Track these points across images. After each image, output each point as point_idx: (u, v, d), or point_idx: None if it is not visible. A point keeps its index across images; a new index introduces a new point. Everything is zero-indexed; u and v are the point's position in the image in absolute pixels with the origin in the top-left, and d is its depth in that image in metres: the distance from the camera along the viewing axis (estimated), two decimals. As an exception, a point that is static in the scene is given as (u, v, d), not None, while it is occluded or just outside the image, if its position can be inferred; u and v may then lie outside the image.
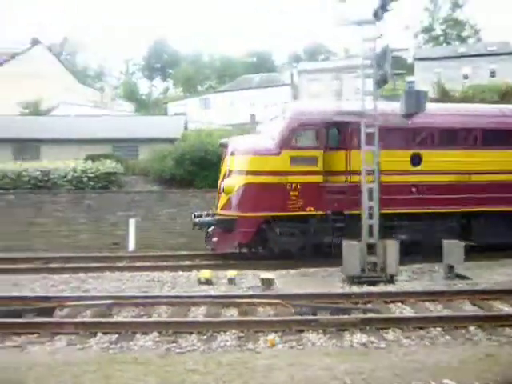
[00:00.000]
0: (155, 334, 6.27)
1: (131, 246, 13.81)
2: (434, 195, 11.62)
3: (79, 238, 14.59)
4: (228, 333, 6.31)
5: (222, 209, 11.48)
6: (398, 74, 10.08)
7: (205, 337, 6.21)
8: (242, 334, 6.26)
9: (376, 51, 9.54)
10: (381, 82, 9.65)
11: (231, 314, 7.28)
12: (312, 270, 10.32)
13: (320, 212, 11.19)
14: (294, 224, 11.30)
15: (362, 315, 6.90)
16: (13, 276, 9.84)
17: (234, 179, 11.32)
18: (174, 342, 6.05)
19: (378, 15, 9.32)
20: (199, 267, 9.91)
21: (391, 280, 9.24)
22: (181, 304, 7.57)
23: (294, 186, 11.10)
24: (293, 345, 5.95)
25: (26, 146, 22.52)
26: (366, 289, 8.71)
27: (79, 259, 11.93)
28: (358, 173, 10.72)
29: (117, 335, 6.28)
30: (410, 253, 10.85)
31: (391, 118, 10.34)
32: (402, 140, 11.63)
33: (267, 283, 8.74)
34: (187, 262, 11.42)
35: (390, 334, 6.27)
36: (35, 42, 44.04)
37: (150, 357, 5.57)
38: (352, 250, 9.23)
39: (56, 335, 6.32)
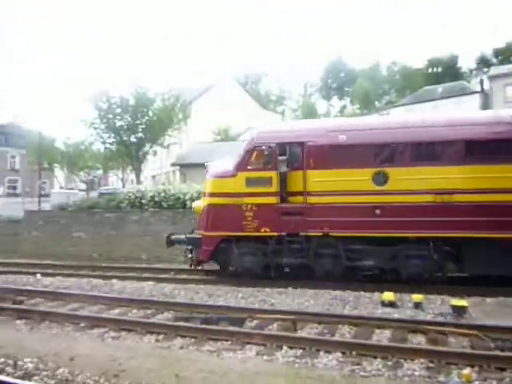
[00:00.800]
0: (339, 353, 6.25)
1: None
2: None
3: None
4: (416, 361, 5.93)
5: (197, 228, 12.02)
6: None
7: (390, 363, 5.95)
8: (431, 365, 5.82)
9: None
10: None
11: (418, 341, 6.83)
12: (514, 299, 9.06)
13: (275, 233, 10.95)
14: (252, 244, 11.29)
15: None
16: (208, 287, 10.90)
17: (203, 201, 11.98)
18: (358, 364, 5.93)
19: None
20: (382, 289, 9.56)
21: None
22: (364, 325, 7.41)
23: (249, 207, 11.07)
24: (493, 384, 5.29)
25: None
26: None
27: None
28: (314, 194, 10.68)
29: (301, 351, 6.44)
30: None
31: None
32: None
33: (459, 311, 7.97)
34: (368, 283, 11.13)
35: None
36: (225, 74, 49.09)
37: (335, 376, 5.56)
38: None
39: (246, 344, 6.78)
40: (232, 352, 6.52)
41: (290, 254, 11.00)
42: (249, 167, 11.27)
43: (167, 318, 8.50)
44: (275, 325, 7.73)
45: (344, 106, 79.43)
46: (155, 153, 34.57)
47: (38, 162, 33.67)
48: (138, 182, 29.41)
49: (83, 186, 47.19)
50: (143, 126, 27.90)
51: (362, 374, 5.67)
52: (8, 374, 5.61)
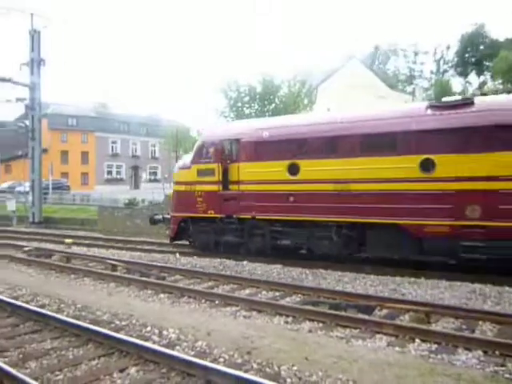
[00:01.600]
0: (480, 352, 5.78)
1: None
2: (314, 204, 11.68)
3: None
4: None
5: None
6: None
7: (542, 367, 5.34)
8: None
9: None
10: None
11: None
12: None
13: (218, 215, 13.17)
14: (203, 223, 13.71)
15: None
16: (335, 273, 10.84)
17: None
18: (502, 365, 5.43)
19: None
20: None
21: None
22: (510, 324, 6.75)
23: (199, 193, 13.49)
24: None
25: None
26: None
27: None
28: (245, 182, 12.73)
29: (436, 345, 6.10)
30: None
31: None
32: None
33: None
34: None
35: None
36: (350, 57, 47.81)
37: (475, 376, 5.15)
38: None
39: (376, 334, 6.62)
40: (361, 340, 6.42)
41: (229, 232, 13.24)
42: (199, 160, 13.65)
43: (295, 301, 8.66)
44: (407, 316, 7.43)
45: (483, 83, 72.09)
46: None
47: (174, 150, 36.43)
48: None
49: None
50: (270, 114, 28.48)
51: (507, 376, 5.17)
52: (154, 342, 6.21)
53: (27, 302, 8.29)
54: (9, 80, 25.25)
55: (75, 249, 15.85)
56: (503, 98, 11.13)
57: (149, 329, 6.79)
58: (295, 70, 30.23)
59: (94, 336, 6.27)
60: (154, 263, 12.43)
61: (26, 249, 15.15)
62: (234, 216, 12.98)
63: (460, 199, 9.79)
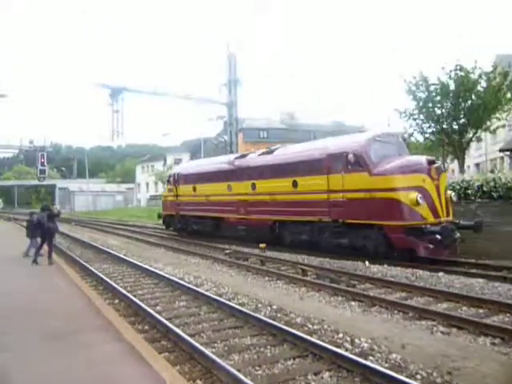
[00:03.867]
0: None
1: None
2: None
3: None
4: None
5: None
6: None
7: None
8: None
9: None
10: None
11: None
12: None
13: (175, 213, 25.18)
14: (173, 217, 25.72)
15: None
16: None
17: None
18: None
19: None
20: None
21: None
22: None
23: (169, 202, 25.86)
24: None
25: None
26: None
27: None
28: (182, 196, 24.57)
29: None
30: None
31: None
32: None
33: None
34: None
35: None
36: None
37: None
38: None
39: None
40: None
41: (180, 222, 24.87)
42: (169, 184, 26.41)
43: (503, 320, 7.67)
44: None
45: None
46: (478, 139, 31.62)
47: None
48: (462, 171, 27.61)
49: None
50: (465, 112, 25.98)
51: None
52: (347, 350, 6.18)
53: (229, 300, 9.14)
54: (210, 101, 28.45)
55: (268, 252, 16.89)
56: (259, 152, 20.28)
57: (341, 335, 6.79)
58: (496, 61, 26.98)
59: (289, 337, 6.55)
60: (344, 270, 12.44)
61: (227, 251, 16.75)
62: (179, 213, 24.57)
63: (238, 204, 19.56)
